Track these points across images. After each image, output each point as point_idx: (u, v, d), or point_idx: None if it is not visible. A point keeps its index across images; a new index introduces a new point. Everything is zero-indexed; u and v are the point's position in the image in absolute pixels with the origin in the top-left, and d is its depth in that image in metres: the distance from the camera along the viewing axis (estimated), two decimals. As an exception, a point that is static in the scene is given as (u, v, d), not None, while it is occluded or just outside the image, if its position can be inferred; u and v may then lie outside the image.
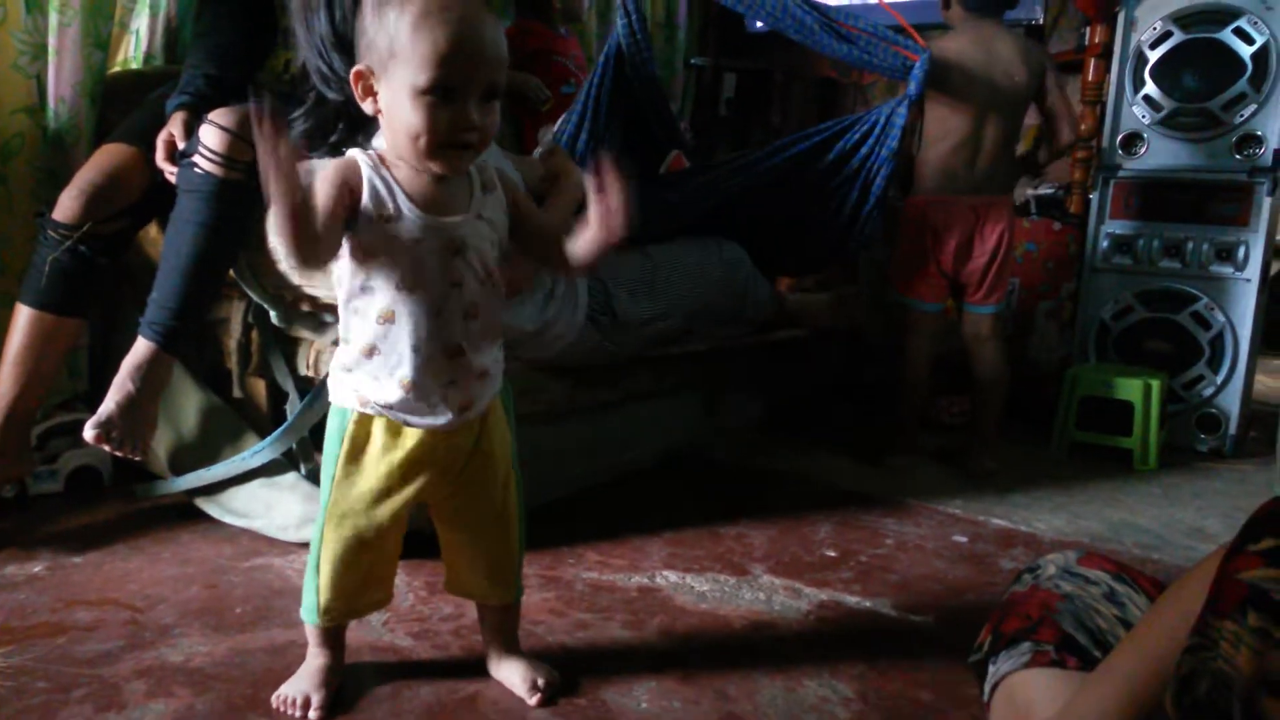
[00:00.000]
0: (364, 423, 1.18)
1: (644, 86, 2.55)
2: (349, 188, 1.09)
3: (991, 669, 1.04)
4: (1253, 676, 0.65)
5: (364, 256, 1.11)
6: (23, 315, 1.75)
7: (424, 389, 1.14)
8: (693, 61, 3.91)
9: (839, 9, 2.36)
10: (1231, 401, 2.74)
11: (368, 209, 1.09)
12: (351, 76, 1.11)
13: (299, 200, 1.00)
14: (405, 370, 1.13)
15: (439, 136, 1.06)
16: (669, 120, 2.70)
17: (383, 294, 1.12)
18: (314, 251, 1.05)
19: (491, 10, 1.10)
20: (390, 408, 1.15)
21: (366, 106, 1.11)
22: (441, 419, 1.15)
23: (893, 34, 2.30)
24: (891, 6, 2.40)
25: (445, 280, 1.12)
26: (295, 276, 1.70)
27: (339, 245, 1.10)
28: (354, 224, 1.10)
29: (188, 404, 1.86)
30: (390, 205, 1.10)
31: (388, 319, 1.12)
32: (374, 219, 1.09)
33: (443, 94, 1.04)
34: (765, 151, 2.40)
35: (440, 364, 1.14)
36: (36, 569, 1.60)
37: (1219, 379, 2.74)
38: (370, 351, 1.14)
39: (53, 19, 1.96)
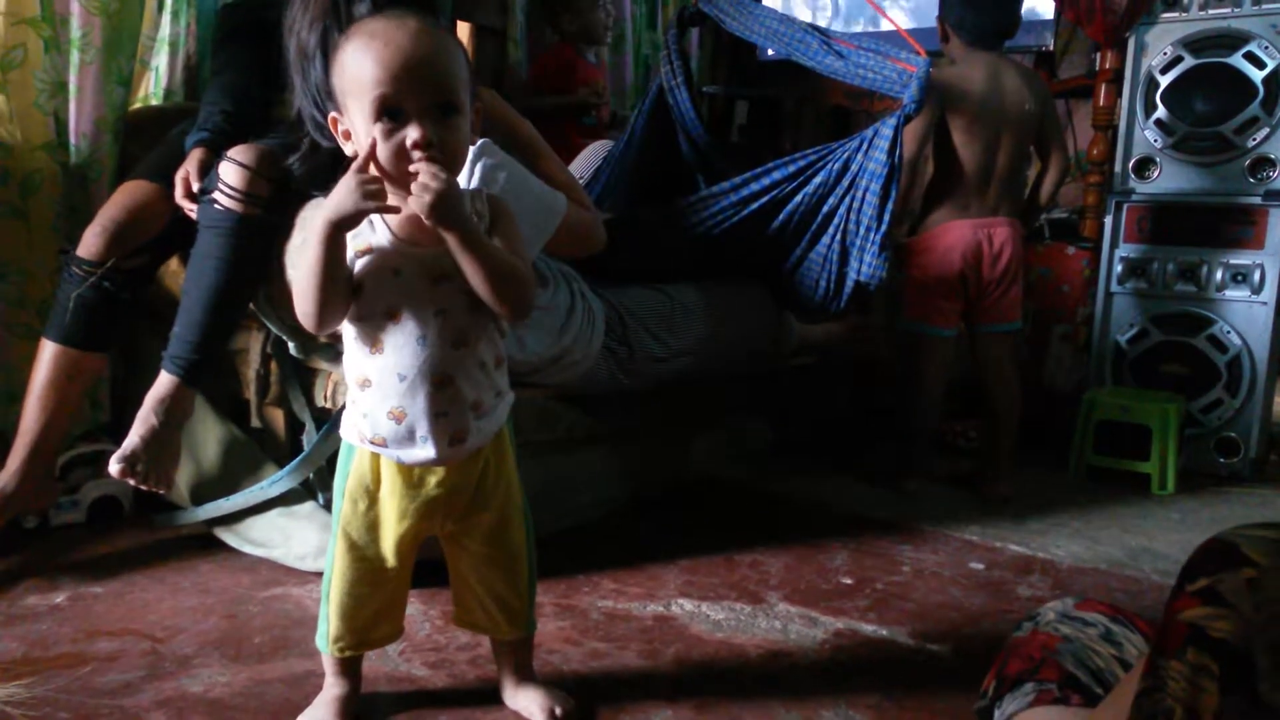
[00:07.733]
0: (368, 458, 1.19)
1: (686, 124, 2.60)
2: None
3: (998, 713, 1.04)
4: (1190, 712, 0.67)
5: (354, 288, 1.13)
6: (47, 350, 1.78)
7: (411, 420, 1.13)
8: (705, 89, 3.95)
9: (841, 32, 2.33)
10: (1250, 425, 2.72)
11: (353, 241, 1.12)
12: (330, 124, 1.14)
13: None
14: (393, 400, 1.13)
15: (399, 158, 1.08)
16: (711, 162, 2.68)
17: (372, 324, 1.13)
18: (335, 309, 1.10)
19: (443, 30, 1.11)
20: (383, 444, 1.15)
21: (348, 149, 1.14)
22: (429, 453, 1.14)
23: (893, 49, 2.19)
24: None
25: (429, 308, 1.12)
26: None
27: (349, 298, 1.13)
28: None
29: (207, 435, 1.88)
30: (372, 237, 1.12)
31: (377, 349, 1.13)
32: (359, 250, 1.12)
33: (391, 115, 1.07)
34: (749, 175, 2.25)
35: (429, 394, 1.13)
36: (58, 599, 1.62)
37: (1237, 402, 2.72)
38: (364, 383, 1.15)
39: (74, 57, 2.01)
